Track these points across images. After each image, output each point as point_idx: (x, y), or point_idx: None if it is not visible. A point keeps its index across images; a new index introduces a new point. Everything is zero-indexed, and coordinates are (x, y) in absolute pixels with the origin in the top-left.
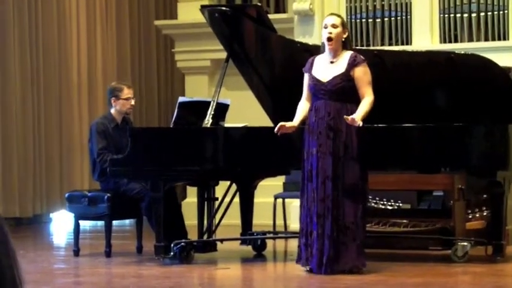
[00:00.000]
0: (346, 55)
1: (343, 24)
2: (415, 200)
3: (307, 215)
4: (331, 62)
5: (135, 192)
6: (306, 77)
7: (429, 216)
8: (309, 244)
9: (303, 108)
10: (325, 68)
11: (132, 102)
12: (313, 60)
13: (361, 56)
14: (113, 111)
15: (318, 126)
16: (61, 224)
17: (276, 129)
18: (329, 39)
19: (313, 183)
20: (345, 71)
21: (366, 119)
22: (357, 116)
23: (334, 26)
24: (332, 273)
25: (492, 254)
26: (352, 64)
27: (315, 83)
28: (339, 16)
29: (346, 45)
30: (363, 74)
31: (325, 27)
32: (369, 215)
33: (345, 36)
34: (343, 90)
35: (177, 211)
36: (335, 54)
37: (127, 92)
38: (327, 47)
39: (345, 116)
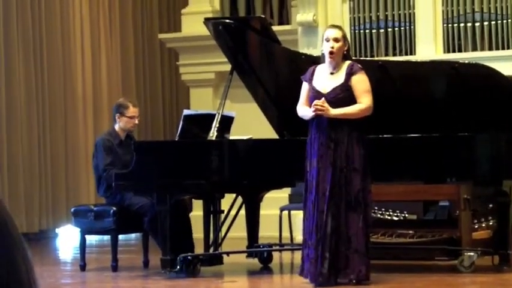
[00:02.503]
0: (345, 66)
1: (344, 37)
2: (421, 211)
3: (307, 226)
4: (331, 73)
5: (138, 206)
6: (306, 85)
7: (435, 227)
8: (309, 255)
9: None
10: (325, 80)
11: (136, 121)
12: (313, 70)
13: (359, 65)
14: (116, 127)
15: (319, 138)
16: (67, 239)
17: (316, 108)
18: (331, 53)
19: (312, 195)
20: (344, 82)
21: (370, 129)
22: (334, 109)
23: (336, 40)
24: (329, 285)
25: (499, 263)
26: (350, 73)
27: (315, 95)
28: (340, 29)
29: (346, 57)
30: (359, 82)
31: (327, 41)
32: (375, 226)
33: (345, 49)
34: (343, 101)
35: (187, 224)
36: (335, 66)
37: (132, 111)
38: (327, 59)
39: (316, 101)
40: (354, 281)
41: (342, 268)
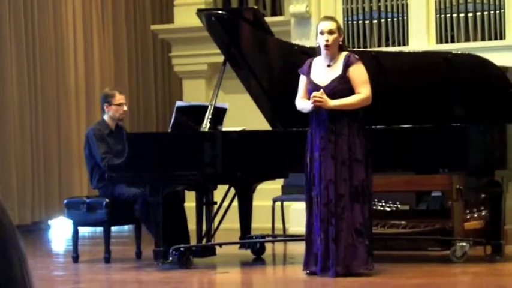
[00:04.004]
0: (342, 57)
1: (338, 28)
2: (414, 201)
3: (309, 220)
4: (328, 66)
5: (127, 195)
6: (303, 79)
7: (428, 217)
8: (310, 248)
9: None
10: (323, 72)
11: (125, 107)
12: (310, 63)
13: (355, 56)
14: (106, 117)
15: (319, 131)
16: (60, 231)
17: (314, 100)
18: (326, 46)
19: (315, 188)
20: (341, 73)
21: (365, 119)
22: (332, 101)
23: (330, 32)
24: (338, 276)
25: (491, 253)
26: (346, 65)
27: (313, 88)
28: (334, 20)
29: (342, 47)
30: (357, 73)
31: (322, 34)
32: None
33: (340, 39)
34: (341, 93)
35: (182, 214)
36: (332, 58)
37: (119, 98)
38: (323, 51)
39: (314, 93)
40: (359, 273)
41: (349, 259)
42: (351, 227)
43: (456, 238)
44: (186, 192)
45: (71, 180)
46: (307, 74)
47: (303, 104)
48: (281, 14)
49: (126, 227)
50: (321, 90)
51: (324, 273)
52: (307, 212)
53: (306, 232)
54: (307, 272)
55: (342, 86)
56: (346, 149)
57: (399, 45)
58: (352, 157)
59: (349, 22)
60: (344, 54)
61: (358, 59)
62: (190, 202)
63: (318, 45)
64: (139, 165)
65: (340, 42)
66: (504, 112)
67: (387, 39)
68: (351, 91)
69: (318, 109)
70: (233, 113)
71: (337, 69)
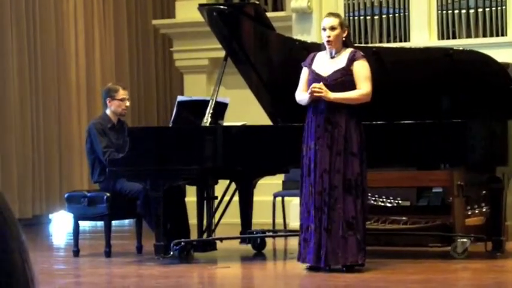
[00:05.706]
0: (347, 52)
1: (341, 24)
2: (415, 197)
3: (305, 210)
4: (332, 58)
5: (129, 191)
6: (305, 71)
7: (428, 213)
8: (307, 239)
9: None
10: (326, 64)
11: (127, 103)
12: (314, 56)
13: (361, 52)
14: (108, 111)
15: (316, 120)
16: (60, 225)
17: (313, 91)
18: (329, 42)
19: (311, 178)
20: (345, 66)
21: (364, 115)
22: (333, 93)
23: (332, 28)
24: (330, 266)
25: (492, 250)
26: (352, 59)
27: (315, 78)
28: (336, 16)
29: (347, 43)
30: (360, 68)
31: (324, 30)
32: (368, 212)
33: (344, 35)
34: (343, 85)
35: (183, 209)
36: (336, 52)
37: (122, 93)
38: (327, 47)
39: (314, 84)
40: (347, 265)
41: (339, 251)
42: (342, 219)
43: (457, 234)
44: (187, 186)
45: (72, 174)
46: (310, 65)
47: (302, 95)
48: (282, 9)
49: (126, 221)
50: (321, 82)
51: (316, 263)
52: (300, 203)
53: (300, 224)
54: (307, 266)
55: (344, 78)
56: (342, 140)
57: (400, 41)
58: (348, 150)
59: (351, 17)
60: (350, 50)
61: (363, 56)
62: (191, 197)
63: (323, 42)
64: (141, 159)
65: (344, 38)
66: (505, 108)
67: (388, 35)
68: (352, 84)
69: (316, 100)
70: (234, 107)
71: (340, 62)
